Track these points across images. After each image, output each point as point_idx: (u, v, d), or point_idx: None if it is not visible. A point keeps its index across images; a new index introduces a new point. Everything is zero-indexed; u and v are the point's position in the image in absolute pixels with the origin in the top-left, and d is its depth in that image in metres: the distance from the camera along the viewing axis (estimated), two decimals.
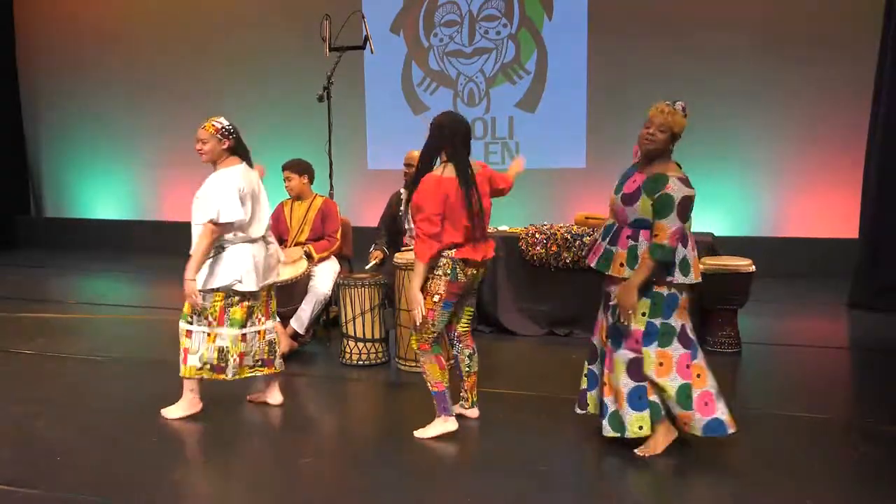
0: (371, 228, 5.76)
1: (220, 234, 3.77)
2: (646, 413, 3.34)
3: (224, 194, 3.74)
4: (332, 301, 5.26)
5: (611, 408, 3.42)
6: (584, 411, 3.63)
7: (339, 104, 5.84)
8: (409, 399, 4.36)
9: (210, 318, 3.84)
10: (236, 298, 3.87)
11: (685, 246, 3.29)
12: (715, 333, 5.00)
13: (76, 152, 10.54)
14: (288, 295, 4.97)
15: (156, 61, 9.84)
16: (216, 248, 3.81)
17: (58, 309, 6.74)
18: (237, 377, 3.95)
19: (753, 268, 5.02)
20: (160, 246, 9.73)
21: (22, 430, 3.81)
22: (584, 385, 3.64)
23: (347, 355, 4.86)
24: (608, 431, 3.41)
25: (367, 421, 4.12)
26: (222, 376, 3.91)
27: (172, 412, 3.95)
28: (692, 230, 3.49)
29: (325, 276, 5.17)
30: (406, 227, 5.41)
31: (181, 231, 10.18)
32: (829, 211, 7.69)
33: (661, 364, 3.31)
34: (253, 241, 3.88)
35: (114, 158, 10.34)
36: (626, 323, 3.29)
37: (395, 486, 3.22)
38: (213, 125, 3.83)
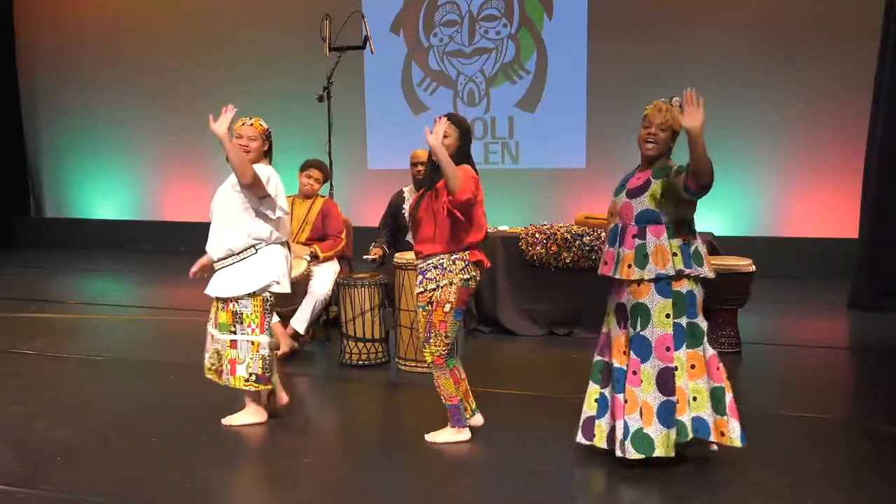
0: (371, 228, 5.76)
1: (257, 192, 3.60)
2: (673, 431, 3.11)
3: (277, 182, 3.70)
4: (332, 301, 5.26)
5: (634, 426, 3.13)
6: (589, 442, 3.34)
7: (339, 104, 5.83)
8: (409, 399, 4.36)
9: (253, 325, 3.70)
10: (272, 303, 3.79)
11: (695, 239, 3.20)
12: (715, 333, 4.99)
13: (76, 152, 10.53)
14: (288, 295, 4.95)
15: (156, 61, 9.84)
16: (249, 248, 3.69)
17: (58, 309, 6.74)
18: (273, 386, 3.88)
19: (753, 268, 5.02)
20: (160, 246, 9.76)
21: (22, 430, 3.81)
22: (590, 412, 3.36)
23: (347, 355, 4.86)
24: (632, 454, 3.11)
25: (367, 421, 4.12)
26: (269, 386, 3.81)
27: (237, 419, 3.85)
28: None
29: (325, 276, 5.17)
30: (409, 224, 5.41)
31: (181, 231, 10.13)
32: (829, 211, 7.69)
33: (693, 367, 3.15)
34: (283, 243, 3.84)
35: (114, 158, 10.34)
36: (698, 107, 2.88)
37: (396, 486, 3.21)
38: (261, 124, 3.76)
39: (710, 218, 7.54)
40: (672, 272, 3.11)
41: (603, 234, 5.18)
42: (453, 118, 3.52)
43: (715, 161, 3.00)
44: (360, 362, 4.83)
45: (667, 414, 3.12)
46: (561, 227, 5.43)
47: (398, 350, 4.84)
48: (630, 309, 3.20)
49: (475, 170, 3.54)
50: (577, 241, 5.29)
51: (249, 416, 3.85)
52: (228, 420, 3.86)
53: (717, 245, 5.49)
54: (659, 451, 3.12)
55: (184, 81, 9.69)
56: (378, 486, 3.22)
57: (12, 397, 4.29)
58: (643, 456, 3.13)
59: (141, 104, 9.96)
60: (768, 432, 3.69)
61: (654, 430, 3.12)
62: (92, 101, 10.28)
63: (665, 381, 3.14)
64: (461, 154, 3.50)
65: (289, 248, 3.94)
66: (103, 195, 10.49)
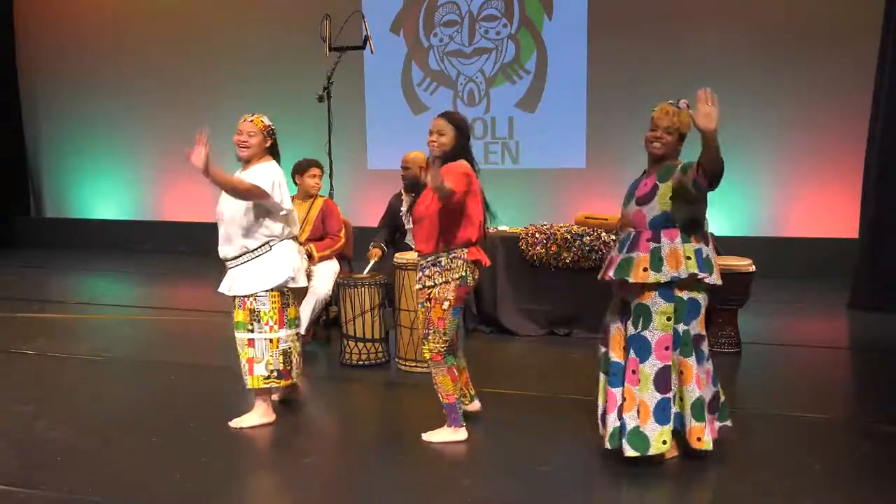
0: (371, 228, 5.76)
1: (258, 199, 3.60)
2: (668, 427, 3.18)
3: (280, 179, 3.69)
4: (332, 301, 5.26)
5: (631, 424, 3.18)
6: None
7: (339, 104, 5.83)
8: (409, 399, 4.36)
9: (271, 323, 3.71)
10: (290, 298, 3.80)
11: (707, 244, 3.22)
12: (715, 333, 4.99)
13: (76, 152, 10.53)
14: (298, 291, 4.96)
15: (155, 61, 9.84)
16: (264, 245, 3.70)
17: (58, 309, 6.73)
18: (297, 379, 3.92)
19: (753, 268, 5.02)
20: (160, 246, 9.75)
21: (22, 430, 3.81)
22: (604, 404, 3.40)
23: (347, 355, 4.86)
24: (629, 451, 3.17)
25: (367, 421, 4.12)
26: (289, 381, 3.83)
27: (246, 421, 3.81)
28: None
29: (325, 276, 5.17)
30: (407, 227, 5.41)
31: (181, 231, 10.11)
32: (829, 211, 7.69)
33: (681, 373, 3.21)
34: (294, 238, 3.87)
35: (114, 158, 10.34)
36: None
37: (396, 486, 3.21)
38: (262, 121, 3.74)
39: (711, 218, 7.51)
40: (685, 275, 3.12)
41: (603, 234, 5.17)
42: (448, 116, 3.56)
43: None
44: (360, 362, 4.83)
45: (662, 411, 3.17)
46: (561, 227, 5.43)
47: (398, 350, 4.84)
48: (633, 308, 3.22)
49: (474, 167, 3.55)
50: (577, 241, 5.29)
51: (258, 416, 3.83)
52: (237, 422, 3.81)
53: (718, 245, 5.49)
54: (654, 450, 3.17)
55: (184, 81, 9.69)
56: (378, 486, 3.22)
57: (12, 397, 4.29)
58: (638, 454, 3.18)
59: (141, 104, 9.96)
60: (768, 432, 3.69)
61: (650, 429, 3.17)
62: (92, 101, 10.27)
63: (664, 379, 3.18)
64: (458, 151, 3.52)
65: (299, 244, 3.99)
66: (103, 195, 10.49)
